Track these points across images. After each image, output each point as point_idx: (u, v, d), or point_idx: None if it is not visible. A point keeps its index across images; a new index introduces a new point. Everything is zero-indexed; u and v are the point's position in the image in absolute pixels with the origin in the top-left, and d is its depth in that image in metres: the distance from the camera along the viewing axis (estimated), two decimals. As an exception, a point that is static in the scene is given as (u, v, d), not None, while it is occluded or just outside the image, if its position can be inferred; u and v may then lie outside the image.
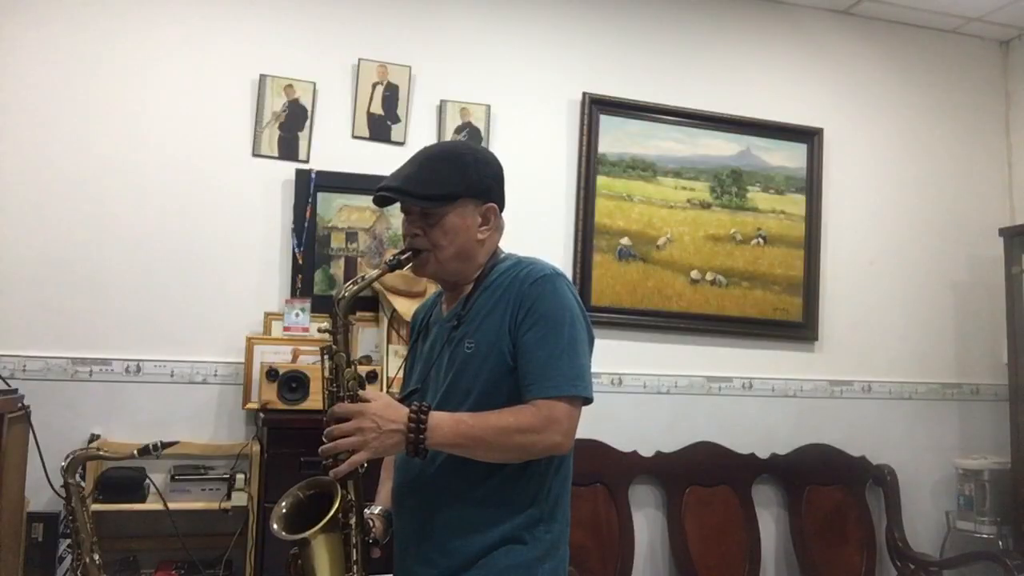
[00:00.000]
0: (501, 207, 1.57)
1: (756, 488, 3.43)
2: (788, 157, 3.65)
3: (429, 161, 1.52)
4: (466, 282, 1.56)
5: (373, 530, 1.51)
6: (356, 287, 1.50)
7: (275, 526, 1.42)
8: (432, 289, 2.98)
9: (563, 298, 1.47)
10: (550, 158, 3.39)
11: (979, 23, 3.87)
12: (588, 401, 1.45)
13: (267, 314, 3.00)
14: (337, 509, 1.40)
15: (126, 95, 2.96)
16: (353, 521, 1.44)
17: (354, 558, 1.43)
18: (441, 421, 1.38)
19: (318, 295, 3.02)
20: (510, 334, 1.45)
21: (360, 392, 1.45)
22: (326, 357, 1.47)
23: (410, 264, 1.53)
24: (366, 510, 1.54)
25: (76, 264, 2.87)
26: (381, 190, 1.51)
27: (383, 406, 1.39)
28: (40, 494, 2.55)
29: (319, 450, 1.39)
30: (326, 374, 1.47)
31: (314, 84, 3.14)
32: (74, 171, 2.89)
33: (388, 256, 1.59)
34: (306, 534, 1.39)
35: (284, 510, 1.45)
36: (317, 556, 1.42)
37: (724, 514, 3.33)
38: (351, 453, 1.36)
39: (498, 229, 1.58)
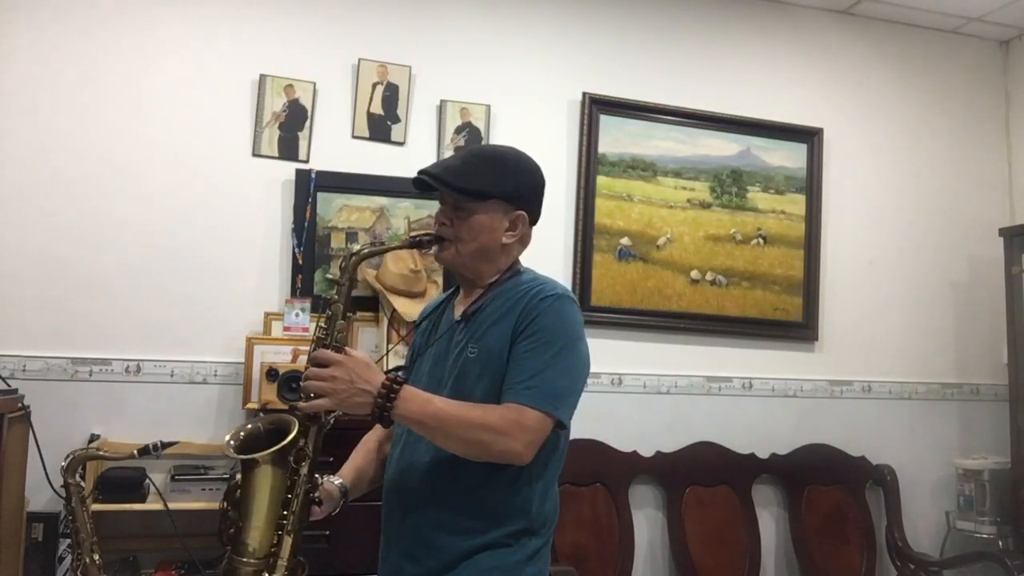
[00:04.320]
0: (533, 219, 1.61)
1: (756, 488, 3.43)
2: (788, 157, 3.65)
3: (472, 157, 1.59)
4: (481, 282, 1.59)
5: (319, 489, 1.51)
6: (375, 248, 1.56)
7: (229, 440, 1.45)
8: (432, 291, 3.00)
9: (564, 319, 1.50)
10: (550, 158, 3.36)
11: (979, 23, 3.87)
12: (561, 425, 1.47)
13: (267, 314, 3.00)
14: (292, 440, 1.41)
15: (126, 95, 2.96)
16: (303, 471, 1.44)
17: (293, 508, 1.43)
18: (412, 395, 1.40)
19: (318, 295, 3.02)
20: (510, 345, 1.48)
21: (347, 348, 1.46)
22: (325, 306, 1.51)
23: (431, 248, 1.58)
24: (327, 476, 1.58)
25: (76, 264, 2.87)
26: (421, 173, 1.55)
27: (362, 364, 1.41)
28: (40, 494, 2.55)
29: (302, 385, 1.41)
30: (321, 323, 1.50)
31: (314, 84, 3.14)
32: (74, 171, 2.89)
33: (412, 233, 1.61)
34: (256, 455, 1.41)
35: (241, 436, 1.47)
36: (259, 486, 1.43)
37: (724, 514, 3.33)
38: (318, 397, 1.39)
39: (523, 240, 1.62)
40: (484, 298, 1.56)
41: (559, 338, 1.47)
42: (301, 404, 1.41)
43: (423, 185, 1.56)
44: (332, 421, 1.48)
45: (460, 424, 1.40)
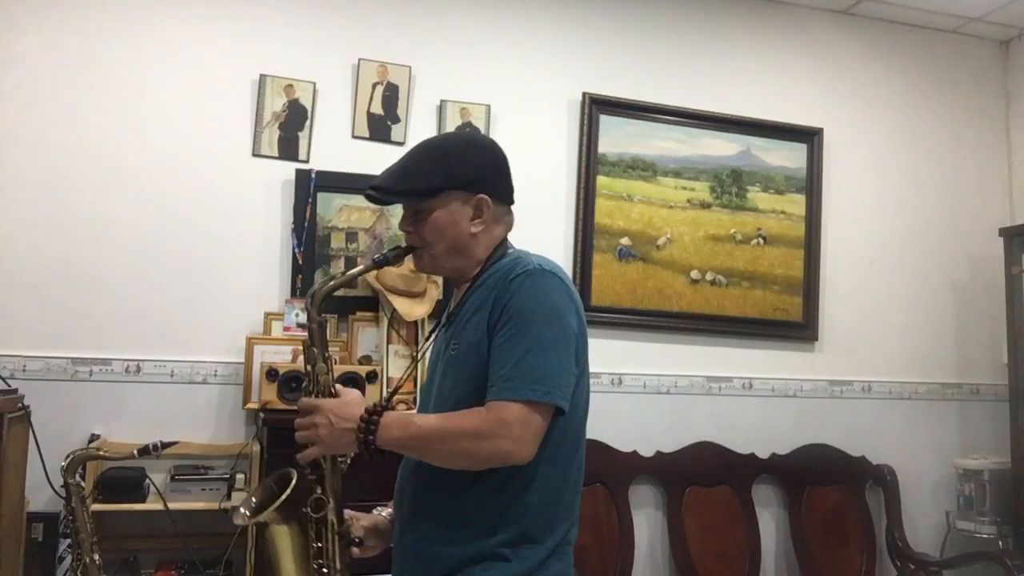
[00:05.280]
0: (501, 198, 1.50)
1: (756, 488, 3.43)
2: (788, 157, 3.65)
3: (414, 154, 1.49)
4: (466, 279, 1.50)
5: (356, 527, 1.48)
6: (335, 282, 1.49)
7: (242, 510, 1.44)
8: (432, 290, 3.00)
9: (540, 294, 1.37)
10: (550, 158, 3.39)
11: (979, 23, 3.87)
12: (558, 408, 1.33)
13: (267, 314, 3.00)
14: (287, 497, 1.41)
15: (126, 95, 2.96)
16: (330, 516, 1.42)
17: (329, 555, 1.42)
18: (392, 422, 1.35)
19: (318, 295, 3.01)
20: (488, 335, 1.37)
21: (337, 387, 1.45)
22: (304, 350, 1.50)
23: (399, 262, 1.52)
24: (375, 509, 1.55)
25: (76, 264, 2.87)
26: (369, 187, 1.49)
27: (340, 403, 1.39)
28: (40, 494, 2.55)
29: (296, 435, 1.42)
30: (306, 368, 1.48)
31: (314, 84, 3.14)
32: (74, 171, 2.89)
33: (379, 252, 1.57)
34: (261, 516, 1.41)
35: (254, 501, 1.47)
36: (279, 544, 1.43)
37: (724, 514, 3.33)
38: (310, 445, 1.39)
39: (498, 222, 1.50)
40: (468, 292, 1.47)
41: (535, 317, 1.34)
42: (297, 456, 1.40)
43: (374, 198, 1.49)
44: (348, 461, 1.47)
45: (441, 438, 1.33)
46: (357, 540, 1.46)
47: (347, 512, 1.50)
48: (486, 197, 1.46)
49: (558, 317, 1.36)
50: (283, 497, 1.41)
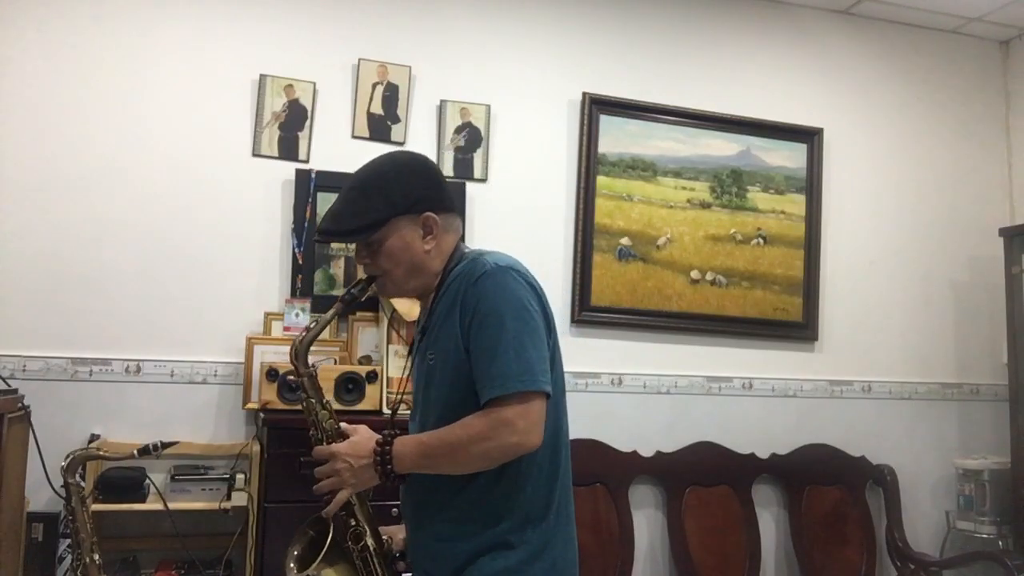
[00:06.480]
0: (444, 209, 1.55)
1: (756, 488, 3.43)
2: (788, 157, 3.65)
3: (351, 192, 1.52)
4: (430, 291, 1.56)
5: (395, 544, 1.56)
6: (312, 332, 1.56)
7: (290, 563, 1.48)
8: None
9: (504, 291, 1.43)
10: (550, 158, 3.39)
11: (979, 23, 3.87)
12: (545, 393, 1.40)
13: (267, 314, 3.00)
14: (331, 544, 1.46)
15: (126, 95, 2.96)
16: (370, 543, 1.50)
17: None
18: (404, 447, 1.43)
19: (318, 295, 3.02)
20: (462, 340, 1.44)
21: (343, 426, 1.52)
22: (302, 402, 1.56)
23: (364, 295, 1.56)
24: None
25: (76, 264, 2.87)
26: (319, 232, 1.55)
27: (352, 444, 1.46)
28: (40, 494, 2.55)
29: (313, 488, 1.47)
30: (310, 419, 1.54)
31: (314, 84, 3.14)
32: (74, 171, 2.89)
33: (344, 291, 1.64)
34: (309, 571, 1.46)
35: (296, 553, 1.51)
36: None
37: (724, 514, 3.33)
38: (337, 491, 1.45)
39: (447, 231, 1.55)
40: (434, 302, 1.54)
41: (505, 315, 1.41)
42: (328, 509, 1.45)
43: (331, 242, 1.57)
44: (371, 491, 1.52)
45: (451, 449, 1.39)
46: (399, 554, 1.55)
47: (381, 530, 1.57)
48: (431, 214, 1.52)
49: (524, 308, 1.43)
50: (327, 544, 1.46)
